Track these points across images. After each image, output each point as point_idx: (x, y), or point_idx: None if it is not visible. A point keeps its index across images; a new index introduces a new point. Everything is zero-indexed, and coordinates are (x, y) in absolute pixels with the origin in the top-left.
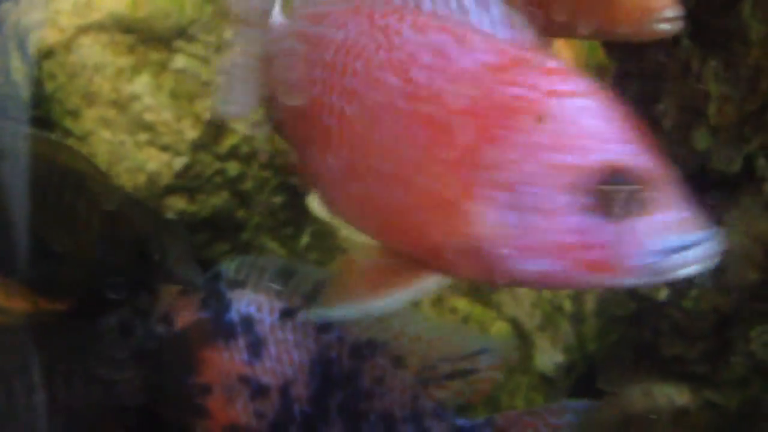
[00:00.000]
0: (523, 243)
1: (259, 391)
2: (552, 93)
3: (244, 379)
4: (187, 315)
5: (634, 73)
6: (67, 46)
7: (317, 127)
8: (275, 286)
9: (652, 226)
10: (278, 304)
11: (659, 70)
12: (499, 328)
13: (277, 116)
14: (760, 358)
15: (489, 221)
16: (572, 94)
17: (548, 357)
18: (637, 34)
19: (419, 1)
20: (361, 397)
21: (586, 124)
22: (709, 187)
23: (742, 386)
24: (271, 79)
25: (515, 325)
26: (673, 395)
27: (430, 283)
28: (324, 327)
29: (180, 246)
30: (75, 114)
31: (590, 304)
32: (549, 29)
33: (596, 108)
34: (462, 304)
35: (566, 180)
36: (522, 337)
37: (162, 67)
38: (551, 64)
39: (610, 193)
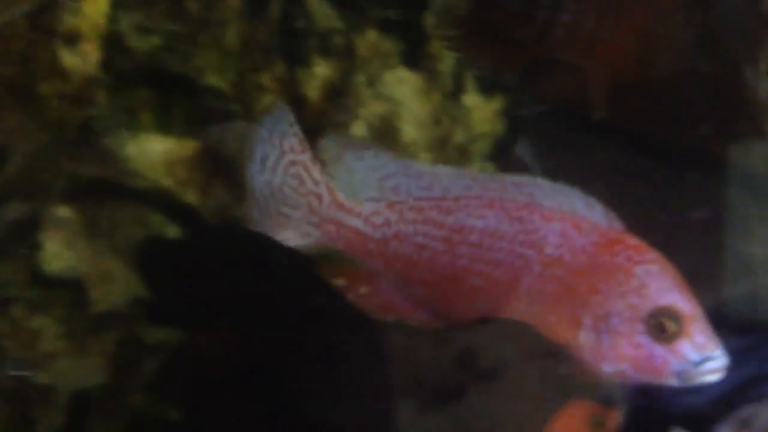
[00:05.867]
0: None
1: None
2: (636, 262)
3: None
4: None
5: None
6: None
7: (465, 288)
8: None
9: (686, 347)
10: None
11: None
12: None
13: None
14: None
15: (584, 339)
16: (647, 262)
17: None
18: None
19: (542, 199)
20: None
21: (653, 281)
22: None
23: None
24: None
25: None
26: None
27: None
28: None
29: None
30: None
31: None
32: None
33: (660, 270)
34: None
35: (635, 315)
36: None
37: None
38: (633, 241)
39: (660, 324)
